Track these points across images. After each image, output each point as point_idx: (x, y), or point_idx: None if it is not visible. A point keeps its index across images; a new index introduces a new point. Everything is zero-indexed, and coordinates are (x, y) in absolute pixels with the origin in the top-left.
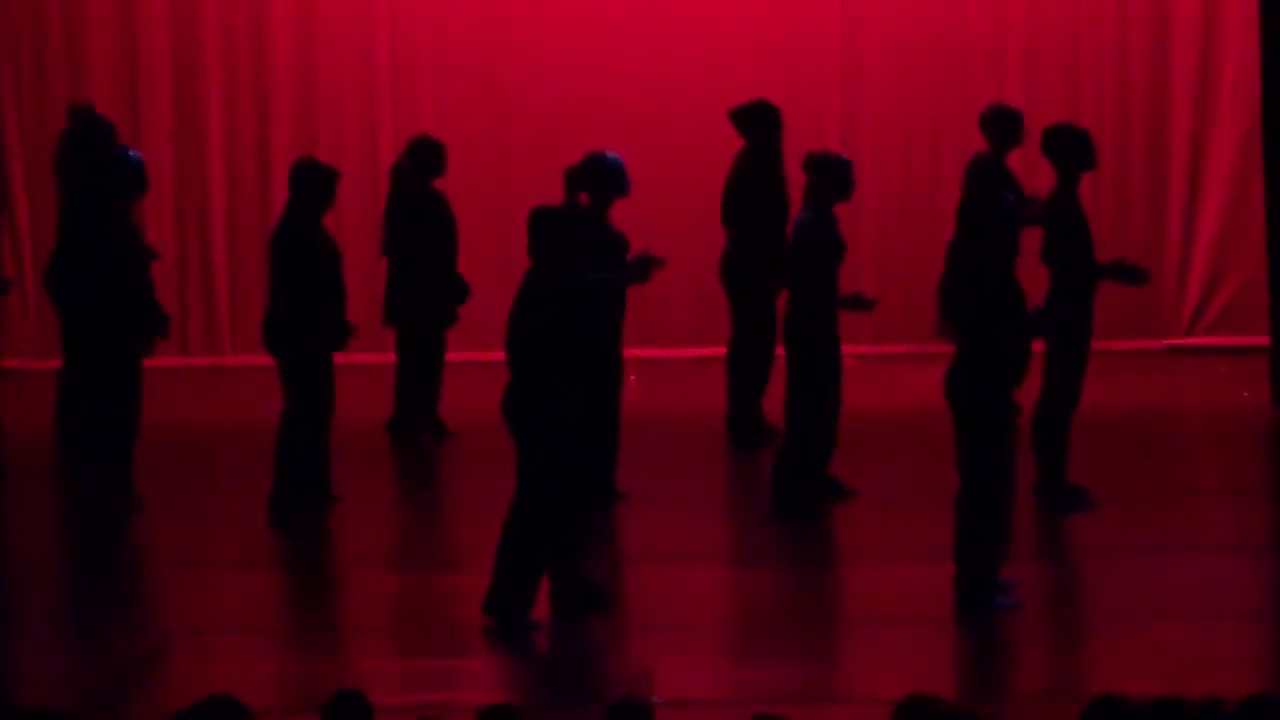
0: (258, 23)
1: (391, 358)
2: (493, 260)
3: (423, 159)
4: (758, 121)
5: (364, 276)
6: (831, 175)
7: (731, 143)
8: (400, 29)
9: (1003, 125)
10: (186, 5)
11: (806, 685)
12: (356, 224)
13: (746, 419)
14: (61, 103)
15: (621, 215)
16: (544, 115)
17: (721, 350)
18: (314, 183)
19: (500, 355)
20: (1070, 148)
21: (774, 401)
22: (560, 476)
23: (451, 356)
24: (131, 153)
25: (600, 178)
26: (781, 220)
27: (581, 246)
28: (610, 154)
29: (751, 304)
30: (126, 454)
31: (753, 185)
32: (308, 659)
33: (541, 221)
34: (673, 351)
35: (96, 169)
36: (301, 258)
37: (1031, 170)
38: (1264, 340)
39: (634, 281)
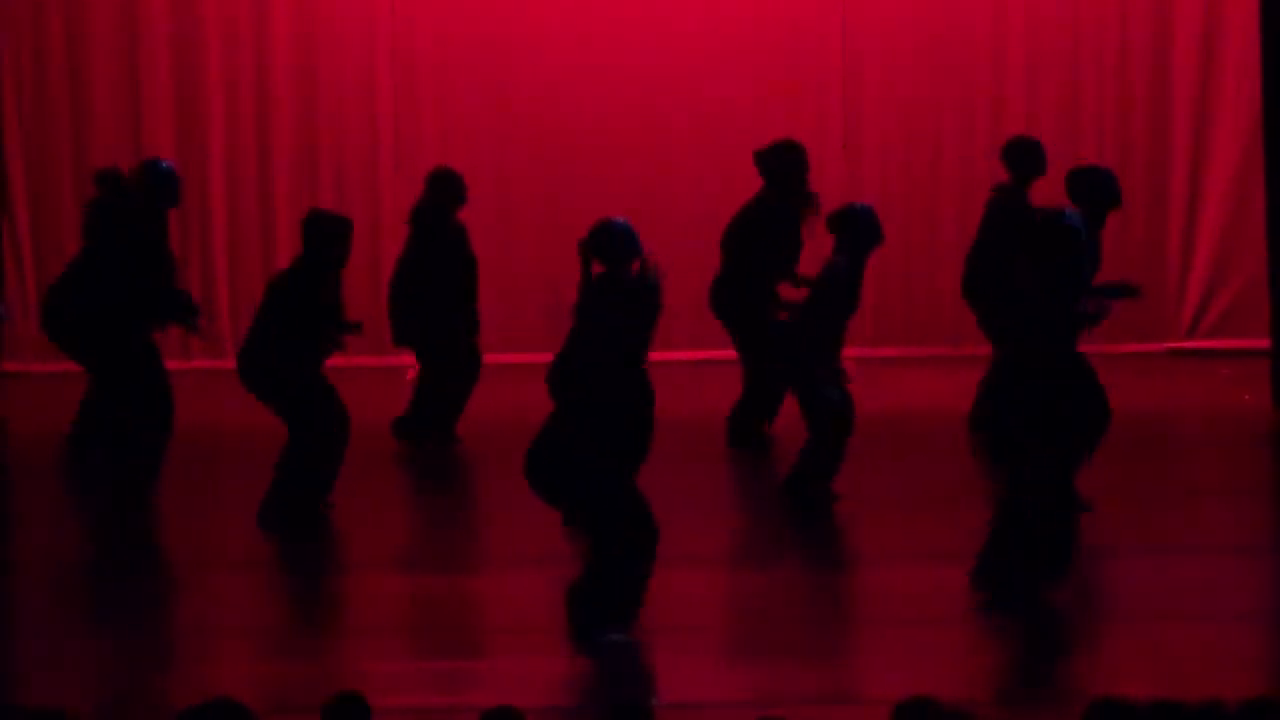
0: (258, 23)
1: (392, 359)
2: (492, 263)
3: (442, 191)
4: (776, 163)
5: (364, 276)
6: (857, 226)
7: (731, 146)
8: (401, 29)
9: (1025, 157)
10: (187, 6)
11: (807, 687)
12: (356, 223)
13: (744, 426)
14: (62, 103)
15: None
16: (544, 116)
17: (719, 354)
18: (329, 238)
19: (502, 357)
20: (1096, 189)
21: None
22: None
23: None
24: (164, 164)
25: (612, 246)
26: (785, 263)
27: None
28: (618, 220)
29: (749, 332)
30: (150, 459)
31: (765, 230)
32: (311, 661)
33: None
34: (672, 354)
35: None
36: (305, 316)
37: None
38: (1265, 343)
39: None
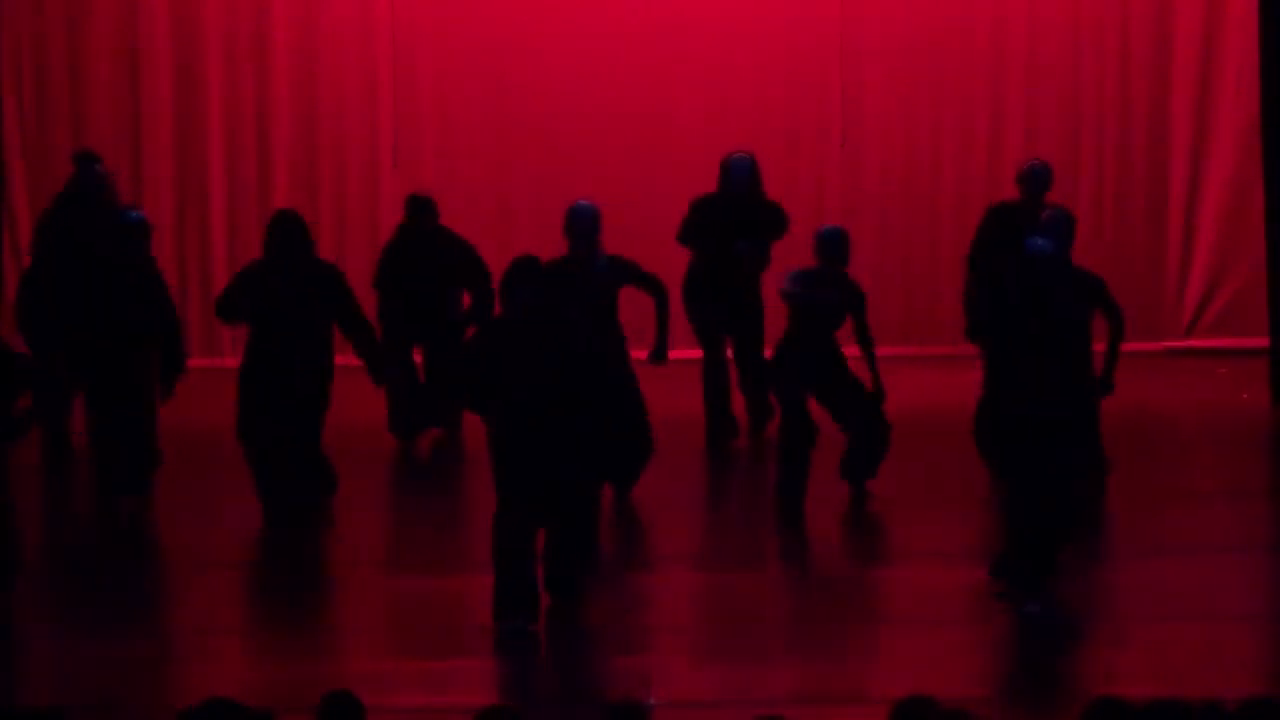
0: (258, 24)
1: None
2: (490, 262)
3: (413, 213)
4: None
5: (364, 275)
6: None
7: (731, 146)
8: (401, 29)
9: (1037, 185)
10: (187, 6)
11: (804, 687)
12: (356, 222)
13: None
14: (62, 103)
15: (622, 218)
16: (544, 115)
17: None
18: (288, 233)
19: None
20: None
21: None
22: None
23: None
24: (133, 214)
25: (573, 227)
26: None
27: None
28: (583, 202)
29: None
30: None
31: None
32: (307, 660)
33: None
34: (671, 354)
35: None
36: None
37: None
38: (1263, 342)
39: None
